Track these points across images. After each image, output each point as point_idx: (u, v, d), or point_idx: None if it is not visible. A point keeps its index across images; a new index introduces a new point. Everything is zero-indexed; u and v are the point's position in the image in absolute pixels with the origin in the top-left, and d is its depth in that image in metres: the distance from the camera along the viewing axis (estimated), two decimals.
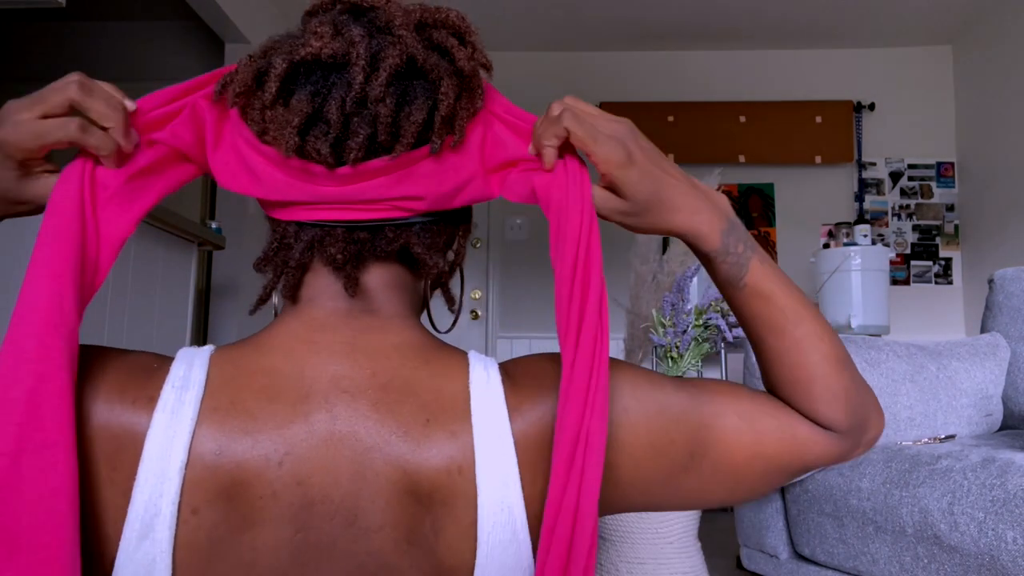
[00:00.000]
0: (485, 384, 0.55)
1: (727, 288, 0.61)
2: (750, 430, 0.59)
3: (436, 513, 0.52)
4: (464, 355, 0.59)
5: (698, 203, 0.59)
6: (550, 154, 0.57)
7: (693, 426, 0.58)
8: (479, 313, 4.50)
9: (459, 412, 0.54)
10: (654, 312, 2.05)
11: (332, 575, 0.52)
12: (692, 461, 0.58)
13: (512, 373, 0.57)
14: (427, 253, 0.58)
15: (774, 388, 0.62)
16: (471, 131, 0.57)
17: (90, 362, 0.54)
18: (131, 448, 0.51)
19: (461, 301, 0.67)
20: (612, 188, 0.58)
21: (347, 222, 0.56)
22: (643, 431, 0.57)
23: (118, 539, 0.50)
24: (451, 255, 0.64)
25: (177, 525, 0.50)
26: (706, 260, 0.61)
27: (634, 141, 0.57)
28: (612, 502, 0.59)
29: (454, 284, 0.67)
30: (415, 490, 0.52)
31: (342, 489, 0.52)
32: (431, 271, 0.60)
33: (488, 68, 0.59)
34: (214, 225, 2.85)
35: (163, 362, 0.56)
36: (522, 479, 0.53)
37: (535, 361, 0.60)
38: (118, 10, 4.55)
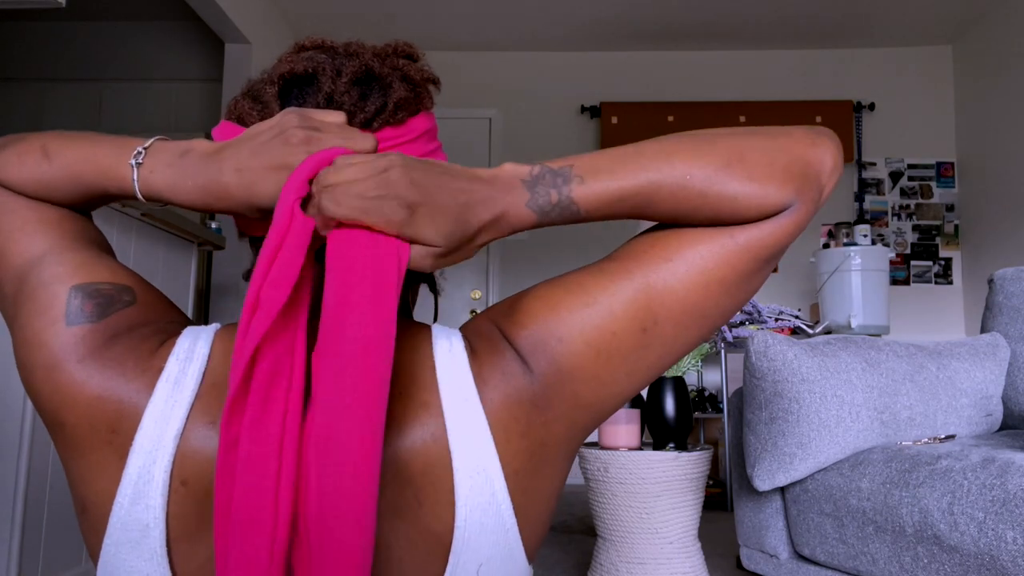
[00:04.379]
0: (448, 354, 0.58)
1: (578, 222, 0.57)
2: (689, 269, 0.56)
3: (416, 483, 0.54)
4: (428, 328, 0.62)
5: (488, 194, 0.55)
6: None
7: (629, 305, 0.56)
8: (479, 313, 4.51)
9: (427, 383, 0.56)
10: None
11: None
12: (646, 336, 0.57)
13: (470, 338, 0.60)
14: None
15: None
16: (415, 124, 0.63)
17: (127, 323, 0.57)
18: (131, 415, 0.53)
19: (436, 296, 0.72)
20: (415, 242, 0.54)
21: None
22: (582, 347, 0.56)
23: (111, 499, 0.52)
24: None
25: (168, 494, 0.52)
26: (539, 227, 0.57)
27: (407, 183, 0.52)
28: (587, 425, 0.60)
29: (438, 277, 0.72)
30: (395, 462, 0.54)
31: None
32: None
33: (436, 83, 0.66)
34: (214, 225, 2.85)
35: (175, 331, 0.59)
36: (496, 441, 0.55)
37: (482, 322, 0.62)
38: (118, 10, 4.55)
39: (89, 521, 0.54)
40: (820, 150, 0.57)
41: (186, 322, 0.62)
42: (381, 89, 0.62)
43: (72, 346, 0.55)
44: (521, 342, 0.58)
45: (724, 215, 0.55)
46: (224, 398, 0.54)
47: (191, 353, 0.56)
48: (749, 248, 0.56)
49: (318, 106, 0.60)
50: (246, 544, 0.47)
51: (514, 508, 0.56)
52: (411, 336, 0.60)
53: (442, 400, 0.56)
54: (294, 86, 0.62)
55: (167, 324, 0.60)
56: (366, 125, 0.61)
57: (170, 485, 0.52)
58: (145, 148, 0.59)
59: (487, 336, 0.59)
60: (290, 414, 0.50)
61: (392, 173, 0.52)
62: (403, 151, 0.61)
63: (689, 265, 0.56)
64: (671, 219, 0.57)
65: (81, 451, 0.54)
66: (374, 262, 0.51)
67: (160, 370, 0.55)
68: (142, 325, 0.58)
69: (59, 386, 0.54)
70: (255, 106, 0.63)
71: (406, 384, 0.56)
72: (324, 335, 0.50)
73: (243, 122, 0.63)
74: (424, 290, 0.74)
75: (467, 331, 0.61)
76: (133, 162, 0.58)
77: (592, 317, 0.57)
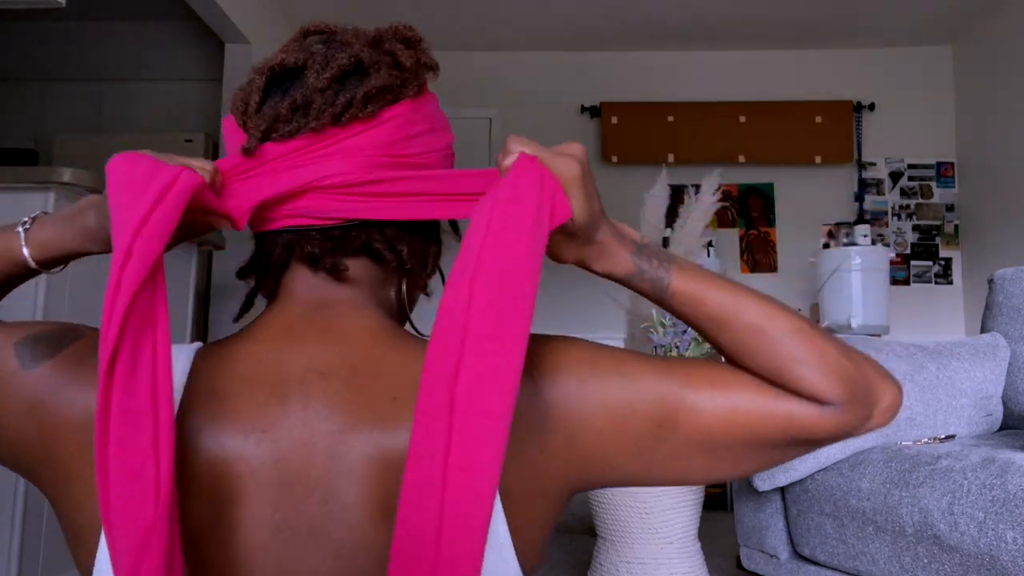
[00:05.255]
0: None
1: (660, 302, 0.61)
2: (724, 401, 0.58)
3: None
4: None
5: (609, 228, 0.60)
6: (508, 161, 0.57)
7: (658, 397, 0.58)
8: None
9: None
10: (654, 312, 2.05)
11: (311, 553, 0.54)
12: (661, 431, 0.58)
13: None
14: (385, 248, 0.63)
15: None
16: (388, 114, 0.62)
17: (84, 345, 0.58)
18: None
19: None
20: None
21: (320, 227, 0.62)
22: (598, 404, 0.58)
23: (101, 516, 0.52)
24: (429, 260, 0.69)
25: None
26: (627, 284, 0.62)
27: (584, 154, 0.58)
28: (585, 477, 0.60)
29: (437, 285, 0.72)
30: (386, 464, 0.54)
31: (318, 467, 0.54)
32: (390, 262, 0.65)
33: (434, 69, 0.65)
34: None
35: None
36: None
37: None
38: (118, 10, 4.55)
39: (84, 546, 0.54)
40: (886, 385, 0.60)
41: None
42: (359, 80, 0.62)
43: (42, 385, 0.56)
44: (545, 367, 0.58)
45: (778, 368, 0.58)
46: (206, 406, 0.55)
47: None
48: (786, 418, 0.58)
49: (294, 102, 0.60)
50: (130, 502, 0.47)
51: (509, 526, 0.55)
52: (411, 344, 0.61)
53: None
54: (285, 79, 0.63)
55: None
56: (335, 121, 0.60)
57: None
58: (31, 217, 0.63)
59: None
60: (159, 364, 0.50)
61: (576, 145, 0.58)
62: (364, 137, 0.61)
63: (727, 400, 0.58)
64: (732, 348, 0.60)
65: (73, 477, 0.54)
66: (549, 183, 0.55)
67: None
68: None
69: (44, 422, 0.55)
70: (241, 93, 0.64)
71: (405, 389, 0.56)
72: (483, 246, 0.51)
73: (231, 109, 0.64)
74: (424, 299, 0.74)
75: None
76: (21, 229, 0.62)
77: (621, 387, 0.58)
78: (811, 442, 0.59)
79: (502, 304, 0.50)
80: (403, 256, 0.65)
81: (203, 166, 0.58)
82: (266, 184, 0.60)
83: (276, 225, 0.62)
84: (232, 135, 0.63)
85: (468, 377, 0.49)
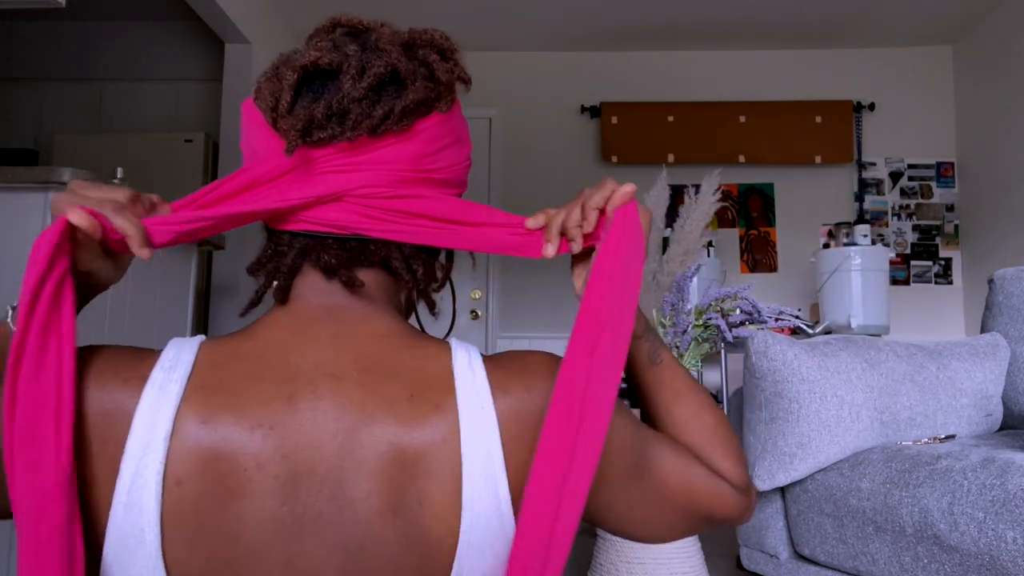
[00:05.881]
0: (468, 365, 0.59)
1: (647, 366, 0.71)
2: (683, 465, 0.67)
3: (421, 483, 0.54)
4: (446, 343, 0.63)
5: None
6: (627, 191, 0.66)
7: (643, 439, 0.65)
8: (479, 313, 4.50)
9: (443, 388, 0.57)
10: (654, 312, 2.05)
11: (318, 547, 0.54)
12: (638, 471, 0.64)
13: (496, 359, 0.62)
14: (403, 266, 0.65)
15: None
16: (420, 127, 0.62)
17: (88, 352, 0.58)
18: (121, 423, 0.54)
19: (454, 311, 0.74)
20: None
21: (338, 235, 0.62)
22: (617, 433, 0.62)
23: (107, 509, 0.53)
24: (439, 273, 0.71)
25: (163, 496, 0.52)
26: (634, 336, 0.69)
27: None
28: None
29: (445, 296, 0.74)
30: (400, 460, 0.54)
31: (327, 462, 0.54)
32: (407, 282, 0.66)
33: (466, 82, 0.67)
34: None
35: (156, 351, 0.59)
36: (505, 453, 0.56)
37: (522, 352, 0.64)
38: (118, 10, 4.55)
39: (88, 540, 0.54)
40: (753, 485, 0.73)
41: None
42: (396, 92, 0.62)
43: None
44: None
45: (708, 443, 0.69)
46: (211, 399, 0.55)
47: (175, 362, 0.57)
48: (715, 490, 0.68)
49: (329, 107, 0.60)
50: (35, 476, 0.50)
51: (515, 522, 0.56)
52: (427, 346, 0.61)
53: (458, 404, 0.56)
54: (316, 78, 0.62)
55: (137, 347, 0.60)
56: (372, 133, 0.60)
57: (164, 486, 0.52)
58: (12, 307, 0.61)
59: (524, 361, 0.62)
60: (64, 347, 0.53)
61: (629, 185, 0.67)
62: (396, 149, 0.62)
63: (684, 463, 0.67)
64: (680, 420, 0.70)
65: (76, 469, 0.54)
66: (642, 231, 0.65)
67: (146, 379, 0.55)
68: (111, 353, 0.59)
69: None
70: (268, 85, 0.63)
71: (419, 387, 0.57)
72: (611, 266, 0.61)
73: (256, 99, 0.64)
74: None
75: (498, 355, 0.63)
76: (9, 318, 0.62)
77: (626, 422, 0.64)
78: (715, 518, 0.69)
79: (616, 344, 0.58)
80: (418, 276, 0.66)
81: (124, 224, 0.57)
82: (294, 188, 0.61)
83: (292, 227, 0.62)
84: (254, 125, 0.63)
85: (594, 397, 0.55)
